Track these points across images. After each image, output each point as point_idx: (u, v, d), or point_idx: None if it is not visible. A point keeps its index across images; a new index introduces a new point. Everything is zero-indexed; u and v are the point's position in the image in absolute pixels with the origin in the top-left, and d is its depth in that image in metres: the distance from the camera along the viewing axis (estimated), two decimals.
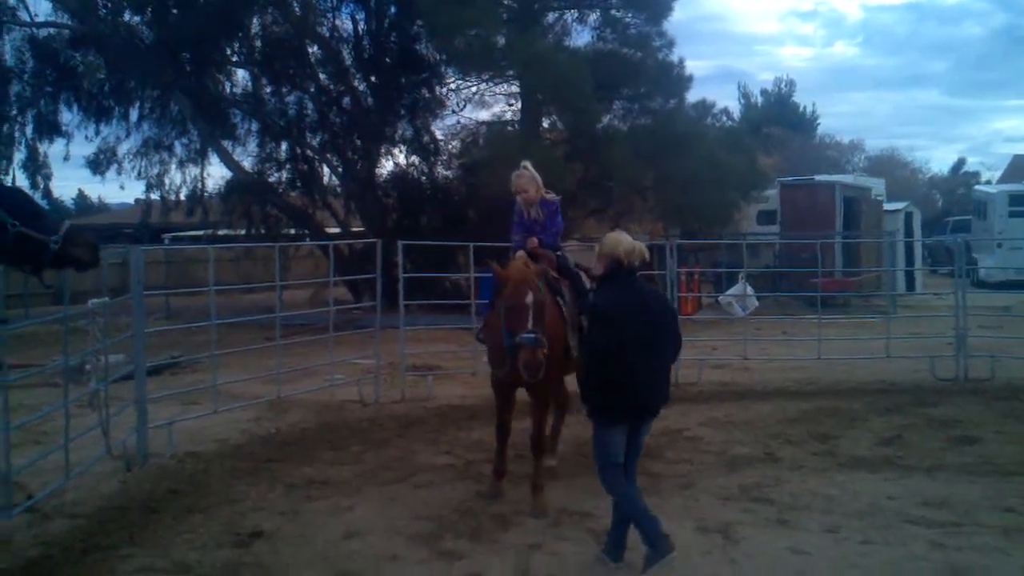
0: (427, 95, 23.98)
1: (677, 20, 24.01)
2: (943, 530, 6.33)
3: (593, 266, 6.20)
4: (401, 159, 25.20)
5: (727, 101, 55.11)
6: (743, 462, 8.12)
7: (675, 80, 21.92)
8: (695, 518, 6.72)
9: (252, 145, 24.55)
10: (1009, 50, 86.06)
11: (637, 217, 24.08)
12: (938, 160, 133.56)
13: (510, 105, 23.79)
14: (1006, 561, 5.85)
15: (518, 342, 6.15)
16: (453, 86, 23.88)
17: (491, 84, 23.10)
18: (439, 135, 24.91)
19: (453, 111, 24.25)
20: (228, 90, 24.29)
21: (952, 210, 43.30)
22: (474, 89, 23.63)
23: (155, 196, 25.48)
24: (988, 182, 45.59)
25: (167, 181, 25.22)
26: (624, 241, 5.99)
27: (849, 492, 7.39)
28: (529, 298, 6.27)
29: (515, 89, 22.75)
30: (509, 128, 23.15)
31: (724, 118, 28.94)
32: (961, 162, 61.58)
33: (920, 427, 9.42)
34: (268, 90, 24.26)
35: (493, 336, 7.08)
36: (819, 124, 53.75)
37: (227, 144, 23.97)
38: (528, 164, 7.64)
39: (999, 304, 15.91)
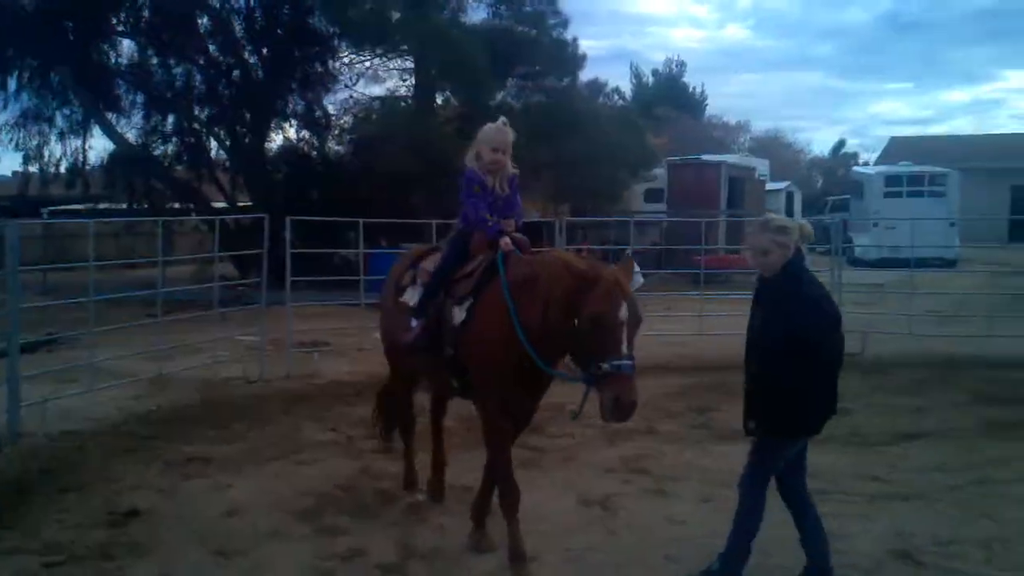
0: (320, 69, 23.56)
1: None
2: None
3: (758, 256, 5.15)
4: (292, 133, 24.89)
5: (619, 81, 55.80)
6: (624, 435, 8.25)
7: (569, 59, 22.18)
8: (577, 491, 6.87)
9: (137, 117, 23.77)
10: (891, 36, 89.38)
11: (530, 195, 24.26)
12: (820, 142, 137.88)
13: (404, 80, 23.70)
14: (870, 527, 6.14)
15: (607, 370, 4.55)
16: (347, 60, 23.64)
17: (385, 59, 22.95)
18: (331, 110, 24.63)
19: (346, 85, 24.04)
20: (113, 60, 23.46)
21: (832, 190, 44.67)
22: (368, 64, 23.48)
23: (33, 168, 24.45)
24: (866, 163, 47.23)
25: (47, 153, 24.14)
26: (790, 221, 5.29)
27: (725, 463, 7.62)
28: (623, 310, 4.65)
29: (409, 64, 22.68)
30: (403, 103, 23.03)
31: (616, 97, 29.43)
32: (841, 143, 63.65)
33: None
34: (155, 61, 23.45)
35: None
36: (707, 105, 54.94)
37: (111, 116, 23.19)
38: (507, 120, 5.98)
39: (873, 282, 16.54)
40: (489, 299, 5.29)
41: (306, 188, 23.12)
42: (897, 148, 46.18)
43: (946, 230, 23.60)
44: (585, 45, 51.42)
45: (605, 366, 4.52)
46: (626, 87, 48.39)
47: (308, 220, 13.06)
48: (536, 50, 21.56)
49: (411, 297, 5.99)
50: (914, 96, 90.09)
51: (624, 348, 4.57)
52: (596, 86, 24.05)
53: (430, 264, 5.99)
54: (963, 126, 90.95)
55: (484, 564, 5.57)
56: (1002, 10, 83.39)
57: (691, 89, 53.51)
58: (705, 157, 27.66)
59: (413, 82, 23.00)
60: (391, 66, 23.39)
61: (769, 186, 28.33)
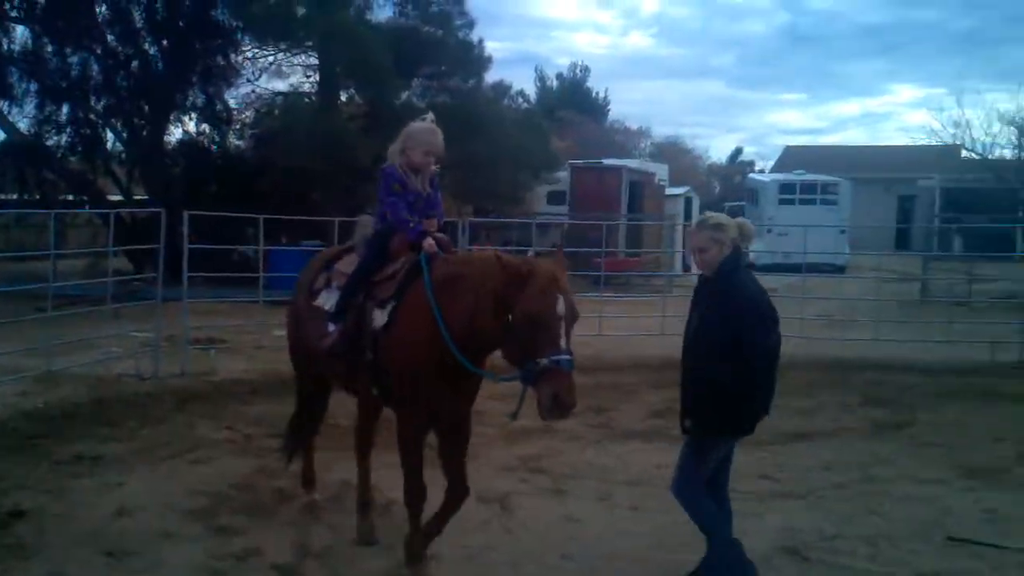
0: (222, 62, 23.07)
1: (478, 1, 24.13)
2: None
3: (696, 254, 5.21)
4: (191, 127, 24.26)
5: (524, 84, 55.90)
6: (523, 435, 8.33)
7: (475, 60, 22.18)
8: (475, 489, 6.81)
9: (30, 106, 22.82)
10: (787, 48, 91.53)
11: None
12: (718, 149, 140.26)
13: (308, 76, 23.30)
14: (761, 524, 6.33)
15: (546, 366, 4.44)
16: (249, 54, 23.13)
17: (289, 54, 22.52)
18: (233, 104, 24.11)
19: (248, 80, 23.51)
20: (5, 47, 22.59)
21: (728, 196, 45.66)
22: (271, 58, 23.00)
23: None
24: (762, 171, 48.41)
25: None
26: (728, 219, 5.30)
27: (622, 462, 7.79)
28: (560, 305, 4.53)
29: (313, 61, 22.32)
30: (306, 100, 22.73)
31: (521, 100, 29.59)
32: (738, 151, 65.15)
33: None
34: (50, 49, 22.67)
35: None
36: (610, 110, 55.59)
37: (2, 104, 22.34)
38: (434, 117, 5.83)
39: (766, 286, 16.97)
40: (412, 301, 5.10)
41: (205, 182, 22.66)
42: (791, 157, 47.42)
43: (836, 237, 24.39)
44: (491, 47, 51.73)
45: (544, 362, 4.41)
46: (531, 90, 48.68)
47: (206, 215, 12.81)
48: (442, 50, 21.51)
49: (327, 301, 5.73)
50: (809, 107, 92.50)
51: (563, 343, 4.47)
52: (501, 88, 24.16)
53: (346, 266, 5.77)
54: (855, 137, 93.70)
55: (380, 563, 5.57)
56: (891, 26, 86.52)
57: (594, 94, 54.09)
58: (607, 161, 28.01)
59: (317, 78, 22.68)
60: (295, 62, 22.99)
61: (668, 191, 28.86)
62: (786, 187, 30.34)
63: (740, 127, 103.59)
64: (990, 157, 27.87)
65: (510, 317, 4.54)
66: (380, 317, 5.21)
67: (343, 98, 22.83)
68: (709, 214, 5.49)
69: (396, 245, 5.46)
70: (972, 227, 22.41)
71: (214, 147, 23.87)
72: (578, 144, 35.84)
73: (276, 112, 22.68)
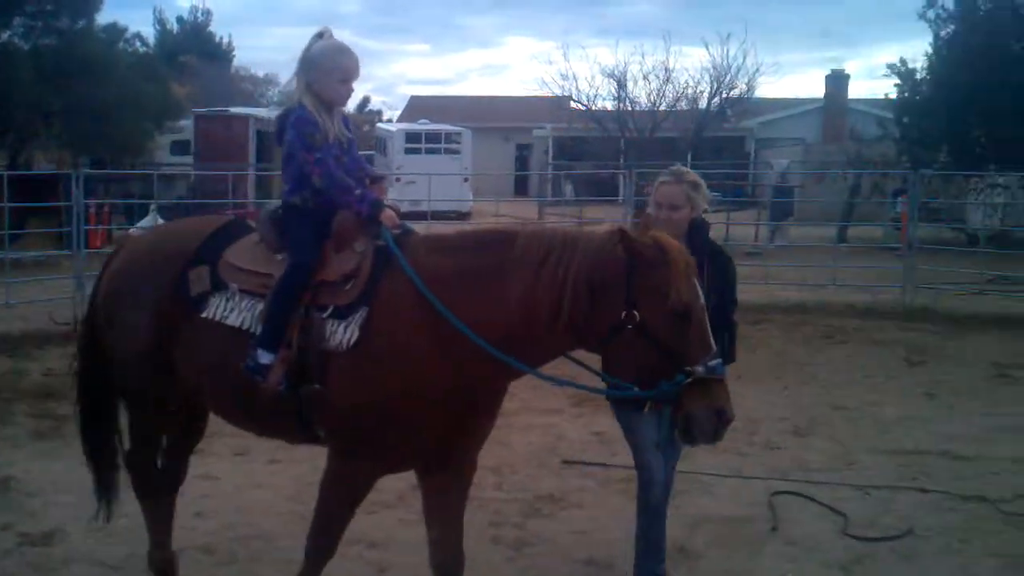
0: None
1: None
2: None
3: (664, 210, 4.43)
4: None
5: (141, 27, 52.57)
6: None
7: None
8: None
9: None
10: None
11: (42, 144, 22.52)
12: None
13: None
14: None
15: (701, 375, 3.40)
16: None
17: None
18: None
19: None
20: None
21: (360, 146, 46.08)
22: None
23: None
24: (389, 120, 49.37)
25: None
26: (701, 179, 4.67)
27: None
28: (701, 297, 3.53)
29: None
30: None
31: (139, 44, 27.93)
32: (366, 100, 65.67)
33: None
34: None
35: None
36: (235, 56, 53.95)
37: None
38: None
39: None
40: (392, 302, 3.72)
41: None
42: (417, 107, 48.79)
43: (460, 185, 25.60)
44: None
45: (699, 369, 3.38)
46: (149, 33, 46.00)
47: None
48: None
49: (233, 314, 3.96)
50: (433, 57, 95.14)
51: (714, 342, 3.51)
52: (116, 31, 22.64)
53: (241, 257, 4.05)
54: (476, 87, 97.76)
55: None
56: None
57: (218, 39, 52.14)
58: (233, 110, 27.32)
59: None
60: None
61: None
62: (412, 136, 31.24)
63: (368, 76, 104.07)
64: (594, 108, 30.33)
65: (636, 314, 3.43)
66: (341, 333, 3.72)
67: None
68: (680, 167, 4.79)
69: (341, 226, 3.89)
70: (581, 173, 24.55)
71: None
72: (202, 91, 34.56)
73: None
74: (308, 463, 5.59)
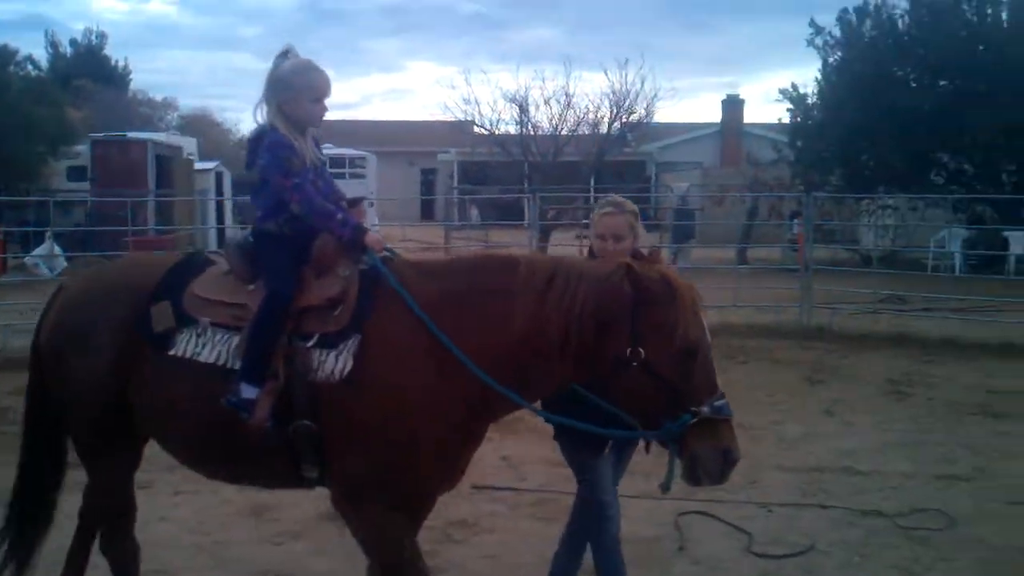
0: None
1: None
2: None
3: (609, 242, 4.30)
4: None
5: (33, 49, 51.14)
6: None
7: None
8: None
9: None
10: (314, 23, 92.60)
11: None
12: (249, 121, 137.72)
13: None
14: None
15: (707, 415, 3.32)
16: None
17: None
18: None
19: None
20: None
21: None
22: None
23: None
24: None
25: None
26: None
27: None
28: (708, 335, 3.48)
29: None
30: None
31: (30, 67, 27.22)
32: None
33: None
34: None
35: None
36: (132, 79, 52.81)
37: None
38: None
39: None
40: (388, 328, 3.54)
41: None
42: (323, 131, 48.46)
43: (365, 210, 25.39)
44: None
45: (704, 410, 3.30)
46: (41, 56, 44.85)
47: None
48: None
49: (206, 349, 3.67)
50: (336, 82, 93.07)
51: (719, 382, 3.41)
52: (7, 53, 22.09)
53: (208, 288, 3.77)
54: (380, 112, 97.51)
55: None
56: (406, 7, 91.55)
57: (114, 62, 51.02)
58: (131, 135, 26.74)
59: None
60: None
61: (198, 165, 28.23)
62: None
63: None
64: (497, 132, 30.58)
65: (640, 351, 3.34)
66: (332, 363, 3.49)
67: None
68: (618, 197, 4.64)
69: (321, 251, 3.70)
70: (486, 198, 24.62)
71: None
72: (99, 115, 33.74)
73: None
74: (211, 494, 5.52)
